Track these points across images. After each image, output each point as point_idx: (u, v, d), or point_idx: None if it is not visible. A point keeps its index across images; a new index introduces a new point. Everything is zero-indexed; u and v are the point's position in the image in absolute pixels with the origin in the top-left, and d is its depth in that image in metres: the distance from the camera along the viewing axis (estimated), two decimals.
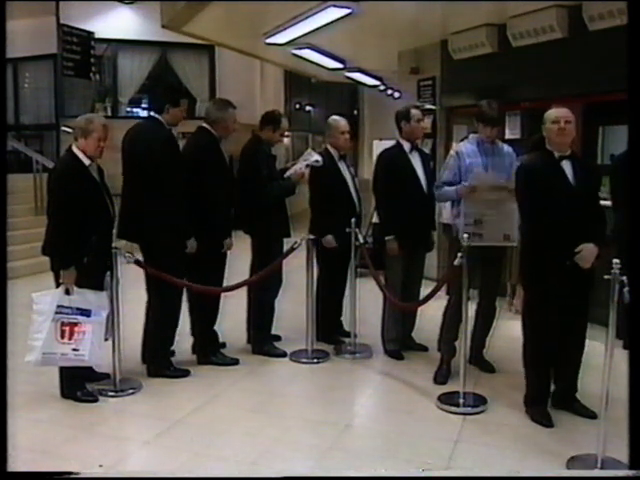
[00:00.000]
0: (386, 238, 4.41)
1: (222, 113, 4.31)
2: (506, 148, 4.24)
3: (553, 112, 3.39)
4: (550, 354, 3.43)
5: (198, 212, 4.11)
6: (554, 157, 3.38)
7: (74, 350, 3.56)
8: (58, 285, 3.57)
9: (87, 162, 3.65)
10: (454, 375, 3.97)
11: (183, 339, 4.41)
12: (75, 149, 3.66)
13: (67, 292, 3.54)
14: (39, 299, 3.54)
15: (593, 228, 3.29)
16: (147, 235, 3.99)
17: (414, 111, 4.52)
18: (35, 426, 3.40)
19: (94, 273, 3.67)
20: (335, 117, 4.89)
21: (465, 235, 3.72)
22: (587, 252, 3.20)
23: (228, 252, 4.40)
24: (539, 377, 3.49)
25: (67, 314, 3.54)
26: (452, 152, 4.20)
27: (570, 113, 3.38)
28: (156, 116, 4.09)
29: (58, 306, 3.52)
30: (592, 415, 3.42)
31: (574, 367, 3.53)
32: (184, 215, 4.00)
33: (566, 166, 3.36)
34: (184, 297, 4.29)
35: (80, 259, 3.55)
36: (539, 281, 3.36)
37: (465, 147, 4.14)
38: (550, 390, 3.55)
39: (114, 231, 3.91)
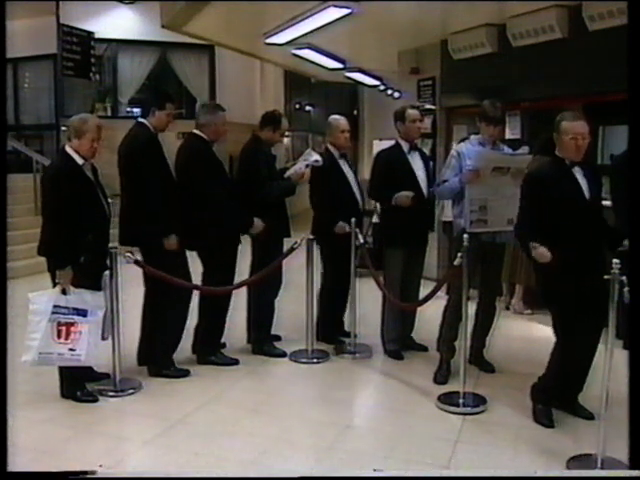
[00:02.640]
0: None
1: (211, 116, 4.29)
2: (506, 149, 4.24)
3: (571, 127, 3.27)
4: (577, 360, 3.37)
5: (202, 217, 4.12)
6: (565, 164, 3.34)
7: (70, 350, 3.55)
8: (55, 285, 3.57)
9: (80, 162, 3.64)
10: (454, 375, 3.97)
11: (183, 339, 4.40)
12: (68, 149, 3.65)
13: (64, 292, 3.53)
14: (36, 299, 3.53)
15: (606, 234, 3.25)
16: (139, 238, 4.00)
17: (409, 111, 4.52)
18: (35, 426, 3.40)
19: (91, 273, 3.66)
20: (335, 116, 4.90)
21: (469, 221, 3.76)
22: None
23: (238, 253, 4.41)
24: (559, 380, 3.43)
25: (63, 314, 3.53)
26: (453, 152, 4.21)
27: (587, 127, 3.29)
28: (142, 120, 4.11)
29: (54, 306, 3.51)
30: (590, 416, 3.43)
31: (585, 370, 3.51)
32: (168, 216, 3.98)
33: (577, 173, 3.33)
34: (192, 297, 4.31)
35: (76, 259, 3.55)
36: (559, 287, 3.28)
37: (466, 148, 4.15)
38: (562, 392, 3.54)
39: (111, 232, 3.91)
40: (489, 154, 4.03)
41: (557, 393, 3.51)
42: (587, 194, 3.30)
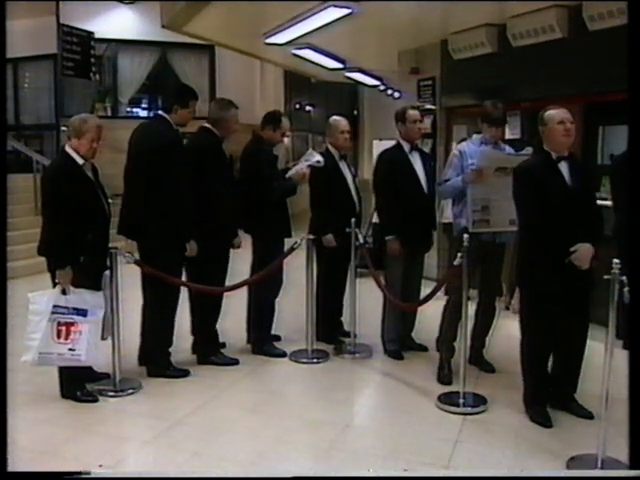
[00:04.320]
0: (387, 238, 4.41)
1: (225, 113, 4.31)
2: (508, 149, 4.24)
3: (556, 113, 3.35)
4: (546, 355, 3.42)
5: (201, 212, 4.10)
6: (552, 158, 3.37)
7: (70, 350, 3.55)
8: (55, 285, 3.57)
9: (81, 161, 3.64)
10: (454, 375, 3.97)
11: (183, 339, 4.41)
12: (68, 149, 3.65)
13: (63, 292, 3.53)
14: (35, 299, 3.53)
15: (590, 228, 3.28)
16: (146, 233, 3.99)
17: (410, 112, 4.52)
18: (35, 426, 3.40)
19: (91, 273, 3.66)
20: (336, 117, 4.90)
21: (472, 221, 3.79)
22: (582, 252, 3.18)
23: (231, 251, 4.41)
24: (534, 377, 3.48)
25: (63, 314, 3.54)
26: (455, 151, 4.21)
27: (570, 115, 3.37)
28: (164, 115, 4.09)
29: (54, 306, 3.51)
30: (589, 415, 3.43)
31: (574, 367, 3.53)
32: (185, 216, 3.99)
33: (563, 167, 3.35)
34: (185, 296, 4.30)
35: (76, 259, 3.55)
36: (536, 281, 3.35)
37: (468, 147, 4.16)
38: (548, 390, 3.55)
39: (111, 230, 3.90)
40: (493, 153, 4.02)
41: (541, 391, 3.51)
42: (572, 189, 3.32)
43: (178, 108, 4.04)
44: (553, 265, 3.24)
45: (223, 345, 4.62)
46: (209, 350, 4.42)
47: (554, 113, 3.36)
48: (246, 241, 4.64)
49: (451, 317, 4.05)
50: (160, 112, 4.19)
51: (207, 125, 4.31)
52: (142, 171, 3.96)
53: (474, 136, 4.27)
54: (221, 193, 4.21)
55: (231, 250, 4.43)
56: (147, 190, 3.91)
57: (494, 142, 4.14)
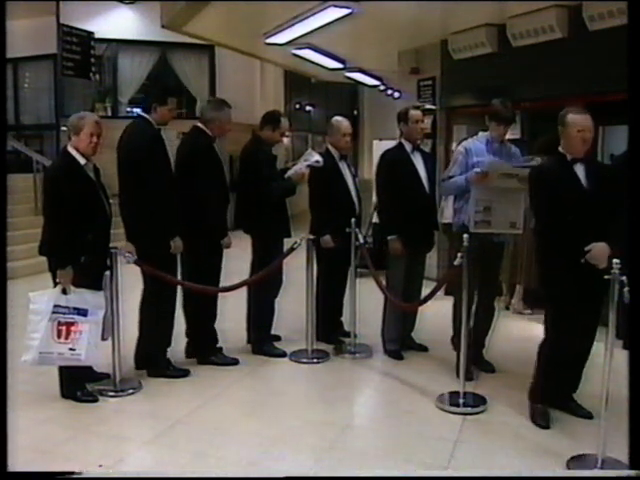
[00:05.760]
0: (389, 238, 4.41)
1: (217, 113, 4.29)
2: (513, 149, 4.24)
3: (579, 121, 3.30)
4: (565, 356, 3.38)
5: (192, 212, 4.09)
6: (567, 160, 3.35)
7: (71, 350, 3.55)
8: (56, 285, 3.57)
9: (82, 161, 3.64)
10: (454, 375, 3.97)
11: (182, 339, 4.41)
12: (70, 148, 3.65)
13: (64, 292, 3.53)
14: (36, 299, 3.54)
15: (606, 229, 3.26)
16: (134, 234, 3.98)
17: (412, 112, 4.52)
18: (35, 426, 3.40)
19: (91, 272, 3.66)
20: (338, 118, 4.88)
21: (473, 222, 3.79)
22: (597, 250, 3.12)
23: (225, 251, 4.40)
24: (552, 379, 3.44)
25: (64, 314, 3.54)
26: (461, 148, 4.19)
27: (592, 121, 3.33)
28: (144, 115, 4.08)
29: (55, 306, 3.51)
30: (588, 415, 3.43)
31: (579, 368, 3.52)
32: (169, 215, 3.97)
33: (579, 169, 3.33)
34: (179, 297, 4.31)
35: (77, 258, 3.55)
36: (555, 283, 3.33)
37: (474, 145, 4.14)
38: (554, 391, 3.54)
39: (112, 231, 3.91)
40: (500, 165, 3.96)
41: (550, 391, 3.50)
42: (588, 191, 3.31)
43: (157, 106, 4.02)
44: (569, 266, 3.20)
45: (219, 349, 4.60)
46: (209, 350, 4.42)
47: (576, 119, 3.31)
48: (245, 241, 4.64)
49: (461, 316, 4.03)
50: (140, 112, 4.17)
51: (199, 125, 4.30)
52: (125, 172, 3.98)
53: (480, 134, 4.24)
54: (210, 194, 4.18)
55: (225, 250, 4.39)
56: (135, 190, 3.92)
57: (500, 141, 4.13)
